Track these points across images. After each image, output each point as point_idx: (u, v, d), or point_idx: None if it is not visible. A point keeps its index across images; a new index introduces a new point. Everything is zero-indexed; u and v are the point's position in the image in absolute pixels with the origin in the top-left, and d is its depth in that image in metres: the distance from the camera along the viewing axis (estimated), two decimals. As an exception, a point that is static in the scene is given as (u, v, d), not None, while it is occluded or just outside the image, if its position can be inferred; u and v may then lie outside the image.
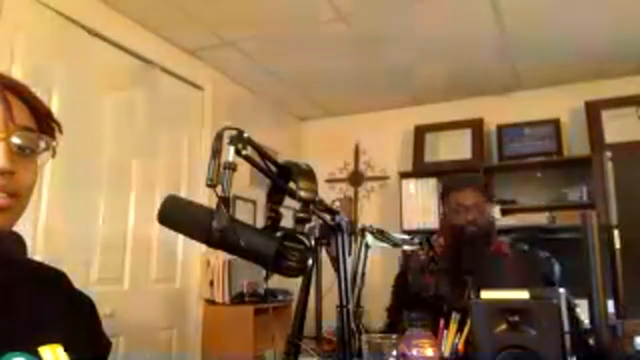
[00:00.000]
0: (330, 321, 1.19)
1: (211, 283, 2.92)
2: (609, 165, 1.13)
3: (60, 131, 0.76)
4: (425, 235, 1.66)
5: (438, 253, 1.73)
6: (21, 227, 0.77)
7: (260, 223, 0.92)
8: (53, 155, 0.74)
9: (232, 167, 0.76)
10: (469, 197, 1.84)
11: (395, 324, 1.81)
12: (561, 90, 3.40)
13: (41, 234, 2.06)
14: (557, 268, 1.84)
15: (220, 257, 2.89)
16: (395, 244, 1.48)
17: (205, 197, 2.57)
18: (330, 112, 4.07)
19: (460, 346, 1.33)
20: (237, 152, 0.77)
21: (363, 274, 1.37)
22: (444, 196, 1.96)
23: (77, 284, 0.85)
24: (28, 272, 0.79)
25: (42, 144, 0.72)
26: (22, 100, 0.70)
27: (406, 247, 1.57)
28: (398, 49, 2.94)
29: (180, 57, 2.94)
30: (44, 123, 0.73)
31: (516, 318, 1.08)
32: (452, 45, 2.90)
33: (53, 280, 0.81)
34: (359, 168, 4.04)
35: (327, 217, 1.07)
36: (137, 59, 2.66)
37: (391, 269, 3.19)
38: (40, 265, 0.83)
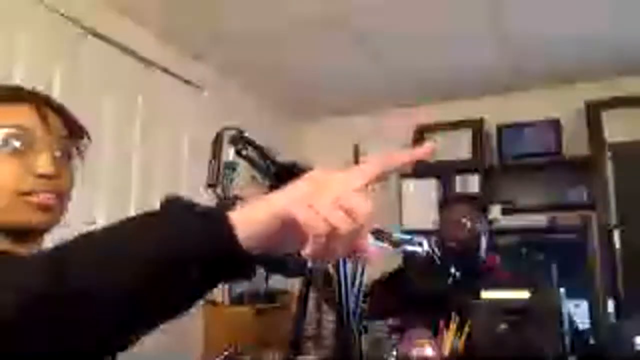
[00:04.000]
0: (329, 321, 1.19)
1: (211, 283, 2.91)
2: (609, 165, 1.13)
3: (89, 138, 0.83)
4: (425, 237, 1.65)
5: (438, 254, 1.72)
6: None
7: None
8: (82, 159, 0.83)
9: (232, 167, 0.76)
10: (460, 212, 1.85)
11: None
12: (561, 90, 3.40)
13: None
14: (553, 270, 1.84)
15: (220, 257, 2.89)
16: (395, 244, 1.48)
17: (205, 197, 2.57)
18: (330, 112, 4.06)
19: (460, 346, 1.33)
20: (237, 152, 0.77)
21: (362, 273, 1.37)
22: (439, 212, 1.98)
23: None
24: None
25: (75, 150, 0.81)
26: (55, 111, 0.78)
27: (406, 247, 1.56)
28: (398, 48, 2.94)
29: (180, 58, 2.94)
30: (75, 130, 0.81)
31: (516, 318, 1.08)
32: (452, 45, 2.90)
33: None
34: (359, 168, 4.03)
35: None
36: (137, 59, 2.66)
37: (391, 269, 3.21)
38: None
